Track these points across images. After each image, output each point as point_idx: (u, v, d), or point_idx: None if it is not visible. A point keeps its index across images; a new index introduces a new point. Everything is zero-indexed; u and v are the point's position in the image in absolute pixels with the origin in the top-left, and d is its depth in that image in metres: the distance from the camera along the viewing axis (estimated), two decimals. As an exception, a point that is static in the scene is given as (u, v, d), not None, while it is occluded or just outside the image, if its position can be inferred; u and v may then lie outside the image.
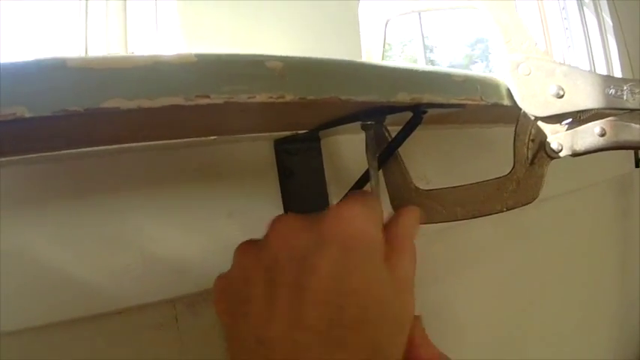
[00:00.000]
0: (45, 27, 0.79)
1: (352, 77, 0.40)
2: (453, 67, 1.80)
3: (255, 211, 0.62)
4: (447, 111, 0.52)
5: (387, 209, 0.53)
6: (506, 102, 0.54)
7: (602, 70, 1.71)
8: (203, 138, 0.57)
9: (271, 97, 0.35)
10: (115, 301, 0.54)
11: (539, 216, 1.17)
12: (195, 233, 0.58)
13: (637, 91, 0.51)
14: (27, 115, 0.27)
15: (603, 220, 1.57)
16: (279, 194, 0.64)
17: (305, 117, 0.51)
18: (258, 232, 0.61)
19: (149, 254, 0.55)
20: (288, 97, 0.35)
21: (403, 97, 0.43)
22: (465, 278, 0.97)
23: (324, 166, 0.68)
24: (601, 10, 1.71)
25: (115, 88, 0.29)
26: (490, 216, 0.55)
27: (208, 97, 0.32)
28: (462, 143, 0.91)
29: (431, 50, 1.80)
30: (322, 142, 0.68)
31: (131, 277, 0.54)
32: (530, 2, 1.73)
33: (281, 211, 0.63)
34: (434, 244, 0.89)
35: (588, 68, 1.71)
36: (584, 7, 1.72)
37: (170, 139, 0.55)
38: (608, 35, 1.71)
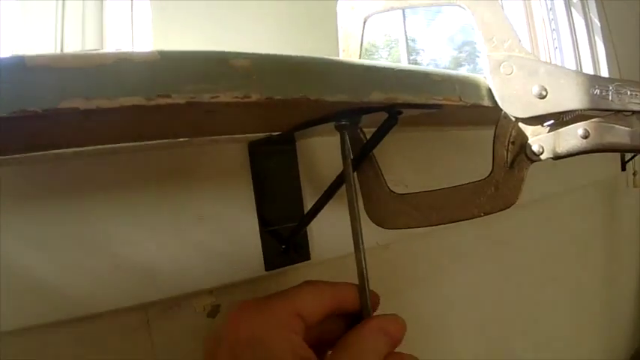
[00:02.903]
0: (20, 23, 0.78)
1: (323, 76, 0.39)
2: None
3: (227, 215, 0.61)
4: (425, 112, 0.51)
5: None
6: (486, 102, 0.52)
7: (590, 71, 1.70)
8: (173, 140, 0.56)
9: (236, 97, 0.34)
10: (87, 306, 0.53)
11: (525, 218, 1.17)
12: (165, 238, 0.57)
13: (623, 91, 0.50)
14: (-11, 114, 0.27)
15: (590, 223, 1.57)
16: (253, 198, 0.63)
17: (277, 118, 0.50)
18: (229, 236, 0.60)
19: (120, 259, 0.54)
20: (255, 97, 0.34)
21: (377, 96, 0.42)
22: (449, 281, 0.96)
23: (300, 169, 0.67)
24: (589, 10, 1.71)
25: (75, 88, 0.29)
26: (474, 219, 0.54)
27: (169, 96, 0.31)
28: (442, 146, 0.91)
29: (417, 53, 1.79)
30: (298, 143, 0.67)
31: (103, 282, 0.53)
32: (517, 3, 1.72)
33: (254, 215, 0.63)
34: (416, 246, 0.89)
35: (575, 69, 1.70)
36: (572, 8, 1.71)
37: (139, 140, 0.53)
38: (596, 36, 1.71)
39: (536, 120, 0.53)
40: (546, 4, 1.71)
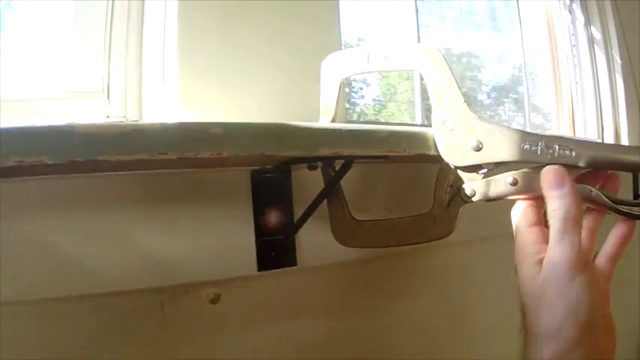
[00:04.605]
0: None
1: (277, 137, 0.54)
2: (496, 88, 1.85)
3: (230, 226, 0.73)
4: (375, 160, 0.64)
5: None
6: (432, 152, 0.64)
7: (608, 107, 1.77)
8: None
9: (212, 154, 0.50)
10: (109, 283, 0.65)
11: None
12: (180, 237, 0.69)
13: (551, 146, 0.58)
14: (48, 162, 0.45)
15: (601, 229, 1.57)
16: (252, 214, 0.74)
17: (256, 163, 0.64)
18: (231, 242, 0.73)
19: (141, 249, 0.67)
20: (225, 154, 0.50)
21: (325, 151, 0.56)
22: (495, 285, 0.98)
23: (293, 193, 0.77)
24: (611, 48, 1.77)
25: (106, 147, 0.46)
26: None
27: (166, 153, 0.48)
28: (420, 176, 0.93)
29: (479, 70, 1.87)
30: (293, 173, 0.77)
31: (125, 265, 0.65)
32: (543, 39, 1.82)
33: (252, 227, 0.74)
34: (465, 253, 1.00)
35: (594, 104, 1.78)
36: (595, 45, 1.79)
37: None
38: (616, 73, 1.77)
39: (472, 168, 0.63)
40: (570, 42, 1.80)
